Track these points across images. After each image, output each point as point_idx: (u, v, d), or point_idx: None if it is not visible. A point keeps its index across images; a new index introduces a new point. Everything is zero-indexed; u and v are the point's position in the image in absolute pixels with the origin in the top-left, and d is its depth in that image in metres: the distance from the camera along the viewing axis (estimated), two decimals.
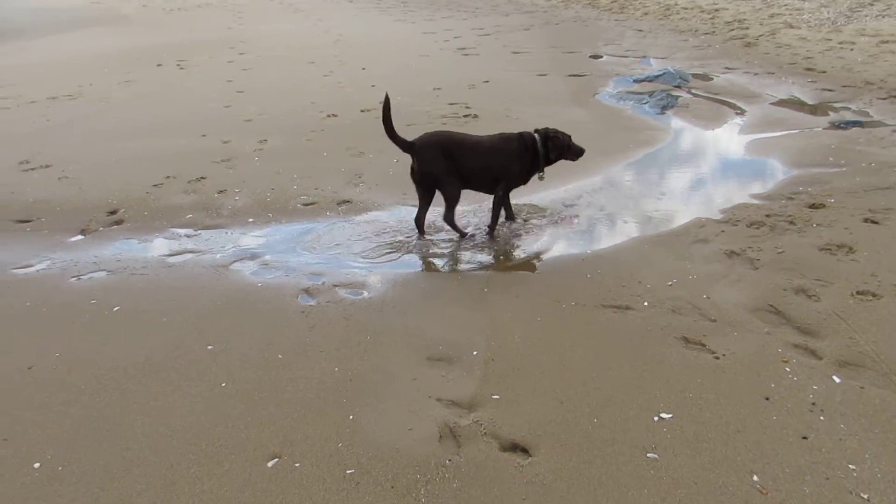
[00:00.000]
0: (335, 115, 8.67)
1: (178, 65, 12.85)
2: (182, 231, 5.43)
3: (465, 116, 8.21)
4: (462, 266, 4.67)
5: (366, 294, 4.28)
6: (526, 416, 3.09)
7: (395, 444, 2.95)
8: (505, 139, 5.02)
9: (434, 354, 3.59)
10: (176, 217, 5.67)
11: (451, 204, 4.99)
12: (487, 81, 10.27)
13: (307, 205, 5.82)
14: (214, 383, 3.41)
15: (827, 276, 4.16)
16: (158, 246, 5.19)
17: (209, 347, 3.73)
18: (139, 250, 5.13)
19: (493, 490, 2.68)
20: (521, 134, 5.03)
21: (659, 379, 3.31)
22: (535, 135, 5.03)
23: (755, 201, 5.56)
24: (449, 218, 5.02)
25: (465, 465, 2.81)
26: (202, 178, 6.51)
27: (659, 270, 4.43)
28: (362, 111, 8.78)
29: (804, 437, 2.88)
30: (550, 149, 5.02)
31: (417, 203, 5.11)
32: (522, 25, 16.25)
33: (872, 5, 13.76)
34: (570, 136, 5.13)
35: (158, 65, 12.92)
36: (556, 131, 5.08)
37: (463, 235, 5.10)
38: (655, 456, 2.82)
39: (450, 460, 2.84)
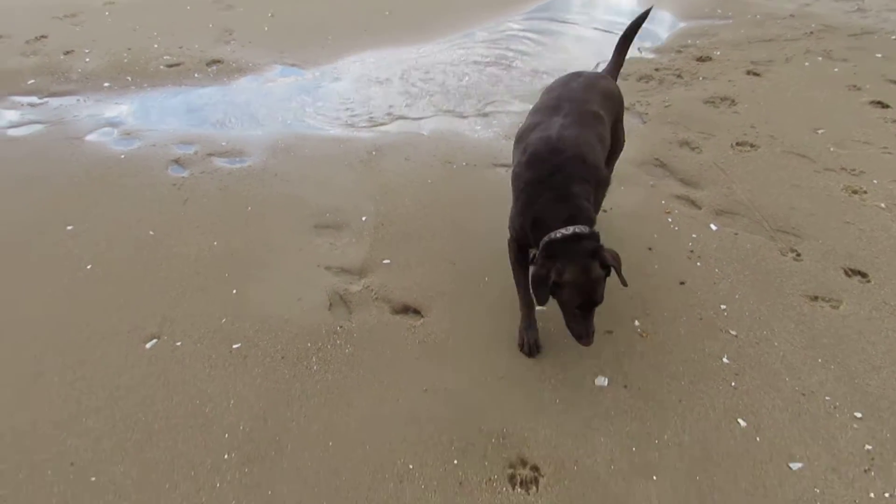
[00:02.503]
0: None
1: None
2: (24, 99, 4.72)
3: None
4: (350, 129, 4.37)
5: (245, 162, 3.95)
6: (417, 278, 3.04)
7: (283, 315, 2.83)
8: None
9: (321, 222, 3.42)
10: (15, 83, 4.90)
11: None
12: None
13: (171, 66, 5.18)
14: (78, 266, 3.10)
15: (709, 129, 4.25)
16: None
17: (69, 228, 3.36)
18: None
19: (386, 352, 2.66)
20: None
21: None
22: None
23: (646, 55, 5.51)
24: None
25: (357, 330, 2.76)
26: (42, 36, 5.62)
27: None
28: None
29: (682, 283, 3.02)
30: None
31: None
32: None
33: None
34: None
35: None
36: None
37: None
38: (543, 308, 2.87)
39: (341, 327, 2.77)
